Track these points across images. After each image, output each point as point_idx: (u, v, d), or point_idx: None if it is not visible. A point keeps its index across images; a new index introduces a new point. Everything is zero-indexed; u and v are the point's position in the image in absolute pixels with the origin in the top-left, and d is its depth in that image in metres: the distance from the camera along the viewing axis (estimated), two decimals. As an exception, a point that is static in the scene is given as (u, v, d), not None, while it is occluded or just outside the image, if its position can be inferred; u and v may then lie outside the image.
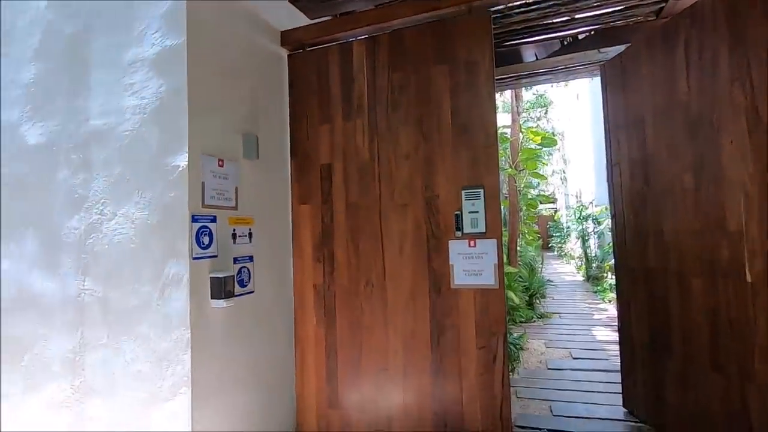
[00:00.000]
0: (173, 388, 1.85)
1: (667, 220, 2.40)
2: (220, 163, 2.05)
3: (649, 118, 2.51)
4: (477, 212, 2.17)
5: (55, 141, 2.16)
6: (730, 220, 2.01)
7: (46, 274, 2.15)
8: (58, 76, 2.18)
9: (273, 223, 2.45)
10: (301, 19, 2.72)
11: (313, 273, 2.53)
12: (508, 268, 5.42)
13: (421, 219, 2.29)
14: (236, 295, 2.07)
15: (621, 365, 2.91)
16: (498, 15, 3.06)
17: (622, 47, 3.21)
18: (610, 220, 3.25)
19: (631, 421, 2.74)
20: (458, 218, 2.20)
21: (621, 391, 2.91)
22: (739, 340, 1.98)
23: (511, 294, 5.02)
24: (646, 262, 2.59)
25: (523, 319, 5.38)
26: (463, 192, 2.20)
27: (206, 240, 1.94)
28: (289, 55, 2.61)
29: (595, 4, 3.04)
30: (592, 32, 3.50)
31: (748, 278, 1.93)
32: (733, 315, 2.01)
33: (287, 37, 2.56)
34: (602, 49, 3.49)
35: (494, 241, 2.15)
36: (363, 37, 2.45)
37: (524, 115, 7.96)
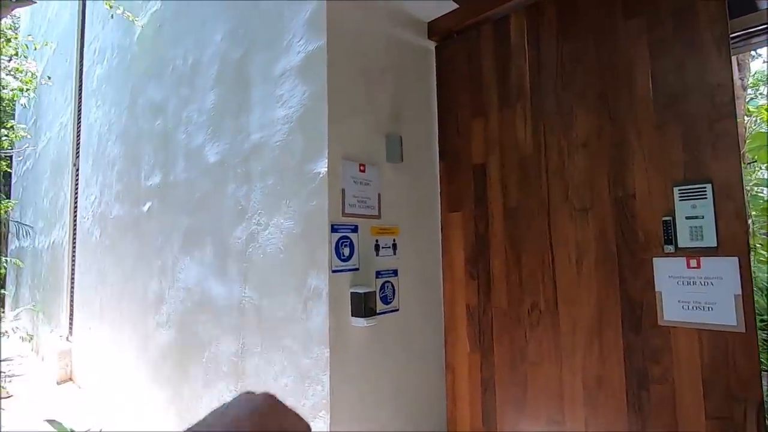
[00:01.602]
0: (314, 409, 1.73)
1: None
2: (362, 167, 1.89)
3: None
4: (701, 218, 1.49)
5: (226, 158, 2.36)
6: None
7: (218, 280, 2.34)
8: (228, 99, 2.38)
9: (420, 234, 2.19)
10: (449, 5, 2.44)
11: (466, 291, 2.17)
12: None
13: (609, 227, 1.72)
14: (379, 313, 1.87)
15: None
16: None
17: None
18: None
19: None
20: (668, 226, 1.56)
21: None
22: None
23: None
24: None
25: (766, 369, 3.89)
26: (675, 189, 1.55)
27: (346, 251, 1.80)
28: (436, 47, 2.36)
29: None
30: None
31: None
32: None
33: (435, 28, 2.31)
34: None
35: (734, 260, 1.44)
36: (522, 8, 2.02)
37: (750, 91, 6.03)
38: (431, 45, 2.36)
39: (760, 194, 5.87)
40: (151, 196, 3.16)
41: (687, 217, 1.52)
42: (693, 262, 1.51)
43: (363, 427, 1.80)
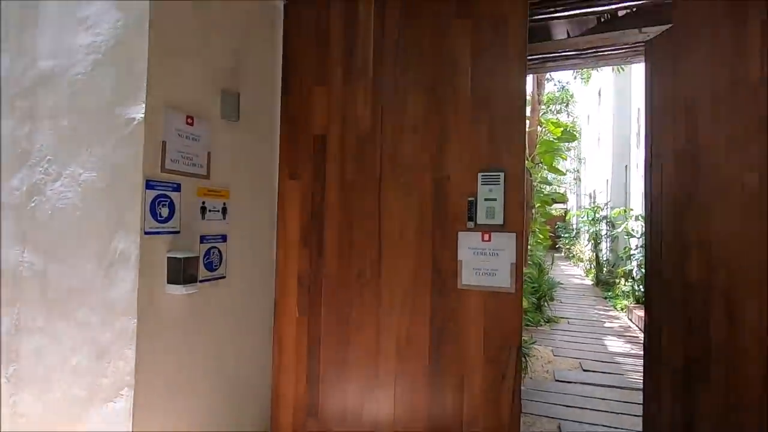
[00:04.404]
0: (114, 387, 1.53)
1: (717, 228, 2.02)
2: (189, 120, 1.70)
3: (705, 104, 2.11)
4: (494, 200, 1.81)
5: (2, 84, 1.82)
6: (807, 229, 1.63)
7: (-18, 241, 1.83)
8: (7, 6, 1.83)
9: (255, 199, 2.10)
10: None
11: (299, 258, 2.19)
12: (517, 268, 5.05)
13: (428, 203, 1.94)
14: (202, 281, 1.74)
15: (644, 387, 2.55)
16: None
17: (665, 27, 2.80)
18: (635, 222, 2.87)
19: (653, 452, 2.40)
20: (472, 206, 1.84)
21: (642, 415, 2.56)
22: (807, 377, 1.62)
23: (519, 295, 4.66)
24: (685, 274, 2.21)
25: (530, 323, 5.03)
26: (479, 175, 1.84)
27: (165, 212, 1.60)
28: (285, 5, 2.24)
29: (644, -27, 2.62)
30: (634, 9, 3.08)
31: (827, 302, 1.56)
32: (801, 345, 1.64)
33: (285, -17, 2.19)
34: (644, 29, 3.06)
35: (513, 235, 1.79)
36: (373, -14, 2.07)
37: (543, 107, 7.52)
38: (280, 2, 2.23)
39: (542, 189, 7.44)
40: None
41: (485, 199, 1.82)
42: (486, 236, 1.82)
43: (176, 403, 1.67)
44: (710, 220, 2.07)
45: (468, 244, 1.85)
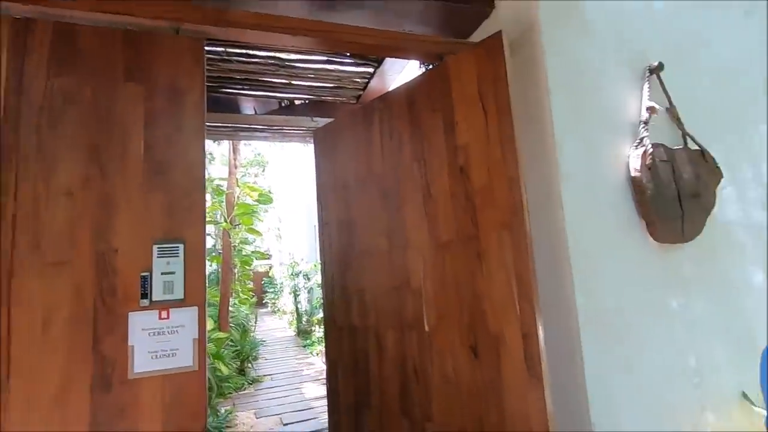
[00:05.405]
0: None
1: (367, 280, 2.60)
2: None
3: (353, 185, 2.75)
4: (173, 273, 1.70)
5: None
6: (413, 279, 2.33)
7: None
8: None
9: None
10: None
11: None
12: (217, 334, 4.85)
13: (86, 282, 1.61)
14: None
15: (329, 424, 2.88)
16: (216, 57, 2.83)
17: (328, 120, 3.55)
18: (320, 277, 3.36)
19: (338, 486, 2.70)
20: (146, 281, 1.66)
21: (329, 454, 2.86)
22: (422, 385, 2.24)
23: (220, 365, 4.43)
24: (351, 319, 2.71)
25: (232, 390, 4.84)
26: (155, 247, 1.70)
27: None
28: None
29: (310, 76, 3.26)
30: (307, 101, 3.75)
31: (426, 328, 2.25)
32: (417, 363, 2.28)
33: None
34: (315, 118, 3.77)
35: (195, 309, 1.72)
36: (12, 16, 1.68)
37: (242, 170, 7.86)
38: None
39: (243, 249, 7.57)
40: None
41: (162, 273, 1.69)
42: (164, 314, 1.68)
43: None
44: (362, 275, 2.64)
45: (142, 325, 1.64)
